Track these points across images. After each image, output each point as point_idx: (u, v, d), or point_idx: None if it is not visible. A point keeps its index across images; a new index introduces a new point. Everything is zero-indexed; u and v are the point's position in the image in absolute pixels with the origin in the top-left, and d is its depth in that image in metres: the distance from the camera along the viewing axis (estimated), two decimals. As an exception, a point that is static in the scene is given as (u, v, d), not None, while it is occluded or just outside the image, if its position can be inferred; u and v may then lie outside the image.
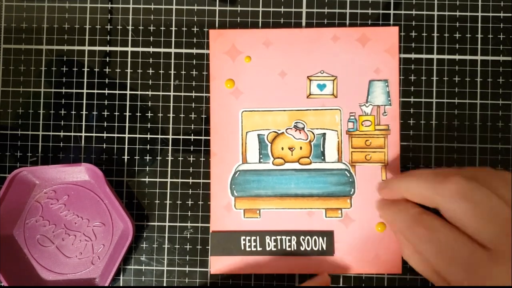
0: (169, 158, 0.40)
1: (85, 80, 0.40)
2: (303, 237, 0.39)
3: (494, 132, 0.40)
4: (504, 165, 0.39)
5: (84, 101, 0.40)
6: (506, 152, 0.39)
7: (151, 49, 0.40)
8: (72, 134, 0.40)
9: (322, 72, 0.39)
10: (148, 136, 0.40)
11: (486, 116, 0.40)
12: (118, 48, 0.41)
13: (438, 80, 0.40)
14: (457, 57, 0.40)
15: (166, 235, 0.40)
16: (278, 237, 0.39)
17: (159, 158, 0.40)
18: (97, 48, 0.41)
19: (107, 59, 0.40)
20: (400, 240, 0.35)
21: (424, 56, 0.40)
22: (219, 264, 0.39)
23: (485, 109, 0.40)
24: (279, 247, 0.39)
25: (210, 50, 0.40)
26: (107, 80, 0.40)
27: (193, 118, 0.40)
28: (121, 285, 0.40)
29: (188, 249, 0.40)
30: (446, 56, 0.40)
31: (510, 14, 0.40)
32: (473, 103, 0.40)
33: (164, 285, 0.39)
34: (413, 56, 0.40)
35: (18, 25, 0.41)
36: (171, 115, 0.40)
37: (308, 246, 0.39)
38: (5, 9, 0.41)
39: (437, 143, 0.40)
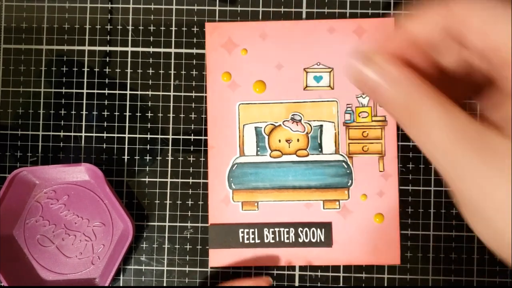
0: (169, 158, 0.40)
1: (85, 80, 0.40)
2: (301, 229, 0.39)
3: (494, 132, 0.39)
4: (504, 165, 0.39)
5: (84, 101, 0.40)
6: (506, 152, 0.39)
7: (151, 49, 0.40)
8: (72, 134, 0.40)
9: (318, 64, 0.40)
10: (148, 136, 0.40)
11: (486, 116, 0.40)
12: (118, 48, 0.41)
13: (438, 80, 0.40)
14: (457, 57, 0.40)
15: (166, 235, 0.40)
16: (276, 229, 0.39)
17: (159, 158, 0.40)
18: (97, 48, 0.41)
19: (107, 59, 0.41)
20: None
21: (424, 56, 0.40)
22: (218, 257, 0.39)
23: (485, 109, 0.40)
24: (277, 239, 0.39)
25: (207, 44, 0.40)
26: (107, 80, 0.40)
27: (193, 118, 0.40)
28: (121, 285, 0.40)
29: (188, 249, 0.40)
30: (446, 56, 0.40)
31: (510, 14, 0.40)
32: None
33: (164, 285, 0.39)
34: (413, 56, 0.40)
35: (18, 25, 0.41)
36: (171, 115, 0.40)
37: (307, 238, 0.39)
38: (5, 9, 0.41)
39: (437, 143, 0.40)
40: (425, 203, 0.39)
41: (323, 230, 0.39)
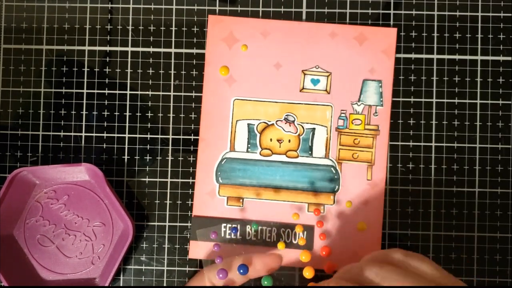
0: (169, 158, 0.40)
1: (85, 80, 0.40)
2: (284, 230, 0.39)
3: (494, 132, 0.40)
4: (504, 165, 0.39)
5: (84, 101, 0.40)
6: (506, 152, 0.39)
7: (151, 49, 0.40)
8: (72, 134, 0.40)
9: (317, 67, 0.40)
10: (148, 136, 0.40)
11: (486, 116, 0.40)
12: (118, 48, 0.41)
13: (438, 80, 0.40)
14: (457, 57, 0.40)
15: (166, 235, 0.40)
16: (259, 227, 0.39)
17: (159, 158, 0.40)
18: (97, 48, 0.41)
19: (107, 59, 0.41)
20: None
21: (424, 56, 0.40)
22: (197, 249, 0.39)
23: (485, 109, 0.40)
24: (259, 237, 0.39)
25: (208, 36, 0.40)
26: (107, 80, 0.40)
27: (193, 118, 0.40)
28: (121, 285, 0.40)
29: (188, 249, 0.40)
30: (446, 56, 0.40)
31: (510, 14, 0.40)
32: (473, 103, 0.40)
33: (164, 285, 0.39)
34: (413, 56, 0.40)
35: (18, 25, 0.41)
36: (171, 115, 0.40)
37: (288, 239, 0.39)
38: (5, 9, 0.41)
39: (437, 143, 0.40)
40: (425, 203, 0.39)
41: (305, 232, 0.39)
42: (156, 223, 0.40)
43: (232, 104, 0.40)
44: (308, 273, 0.35)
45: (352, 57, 0.39)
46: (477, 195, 0.39)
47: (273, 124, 0.40)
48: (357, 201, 0.39)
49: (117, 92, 0.40)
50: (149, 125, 0.40)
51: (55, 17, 0.41)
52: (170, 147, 0.40)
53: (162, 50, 0.40)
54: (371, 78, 0.39)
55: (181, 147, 0.40)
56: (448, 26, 0.40)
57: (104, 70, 0.40)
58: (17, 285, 0.37)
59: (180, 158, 0.40)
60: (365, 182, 0.39)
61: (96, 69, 0.40)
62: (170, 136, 0.40)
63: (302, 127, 0.40)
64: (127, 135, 0.40)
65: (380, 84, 0.39)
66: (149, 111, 0.40)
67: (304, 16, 0.40)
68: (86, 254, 0.39)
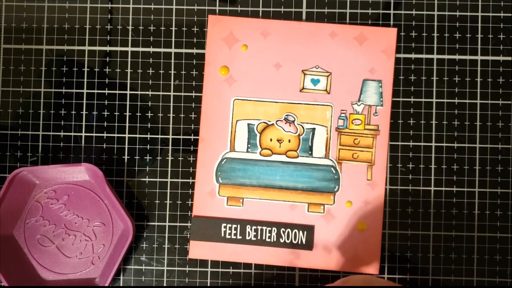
0: (169, 158, 0.40)
1: (85, 80, 0.40)
2: (284, 230, 0.39)
3: (494, 132, 0.40)
4: (504, 165, 0.39)
5: (84, 101, 0.40)
6: (506, 152, 0.39)
7: (151, 49, 0.40)
8: (72, 134, 0.40)
9: (317, 67, 0.40)
10: (148, 136, 0.40)
11: (486, 116, 0.40)
12: (118, 48, 0.41)
13: (438, 80, 0.40)
14: (457, 57, 0.40)
15: (166, 235, 0.40)
16: (259, 227, 0.39)
17: (159, 158, 0.40)
18: (97, 48, 0.41)
19: (107, 59, 0.41)
20: None
21: (424, 56, 0.40)
22: (198, 250, 0.39)
23: (485, 109, 0.40)
24: (259, 237, 0.39)
25: (208, 35, 0.40)
26: (107, 80, 0.40)
27: (193, 118, 0.40)
28: (121, 285, 0.40)
29: (188, 249, 0.40)
30: (446, 56, 0.40)
31: (510, 14, 0.40)
32: (473, 103, 0.40)
33: (164, 285, 0.39)
34: (413, 56, 0.40)
35: (18, 25, 0.41)
36: (171, 115, 0.40)
37: (288, 239, 0.39)
38: (5, 9, 0.41)
39: (437, 143, 0.40)
40: (425, 203, 0.39)
41: (305, 232, 0.39)
42: (156, 223, 0.40)
43: (232, 104, 0.40)
44: None
45: (352, 57, 0.39)
46: (477, 195, 0.39)
47: (273, 124, 0.40)
48: (357, 201, 0.39)
49: (117, 92, 0.40)
50: (149, 125, 0.40)
51: (55, 17, 0.41)
52: (170, 147, 0.40)
53: (162, 50, 0.40)
54: (371, 78, 0.39)
55: (181, 147, 0.40)
56: (448, 26, 0.40)
57: (104, 70, 0.40)
58: (17, 285, 0.37)
59: (180, 158, 0.40)
60: (365, 182, 0.39)
61: (96, 69, 0.40)
62: (170, 136, 0.40)
63: (302, 127, 0.40)
64: (127, 135, 0.40)
65: (380, 84, 0.39)
66: (149, 111, 0.40)
67: (304, 16, 0.40)
68: (86, 254, 0.39)
